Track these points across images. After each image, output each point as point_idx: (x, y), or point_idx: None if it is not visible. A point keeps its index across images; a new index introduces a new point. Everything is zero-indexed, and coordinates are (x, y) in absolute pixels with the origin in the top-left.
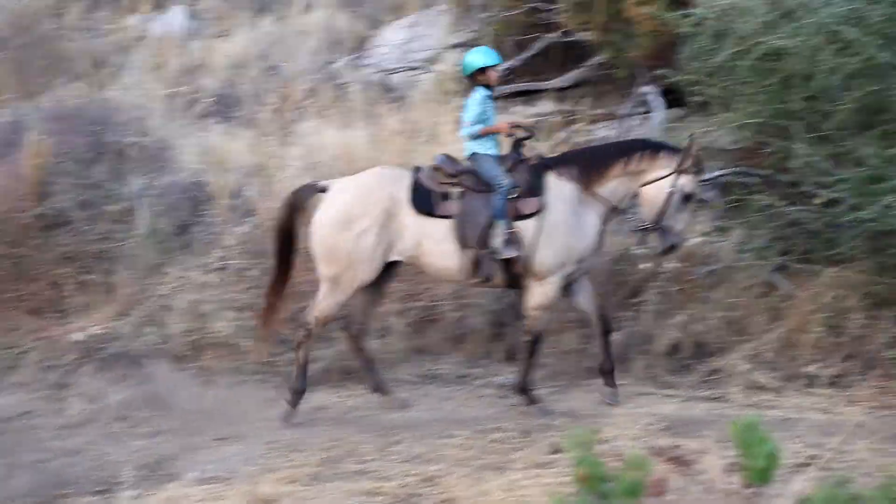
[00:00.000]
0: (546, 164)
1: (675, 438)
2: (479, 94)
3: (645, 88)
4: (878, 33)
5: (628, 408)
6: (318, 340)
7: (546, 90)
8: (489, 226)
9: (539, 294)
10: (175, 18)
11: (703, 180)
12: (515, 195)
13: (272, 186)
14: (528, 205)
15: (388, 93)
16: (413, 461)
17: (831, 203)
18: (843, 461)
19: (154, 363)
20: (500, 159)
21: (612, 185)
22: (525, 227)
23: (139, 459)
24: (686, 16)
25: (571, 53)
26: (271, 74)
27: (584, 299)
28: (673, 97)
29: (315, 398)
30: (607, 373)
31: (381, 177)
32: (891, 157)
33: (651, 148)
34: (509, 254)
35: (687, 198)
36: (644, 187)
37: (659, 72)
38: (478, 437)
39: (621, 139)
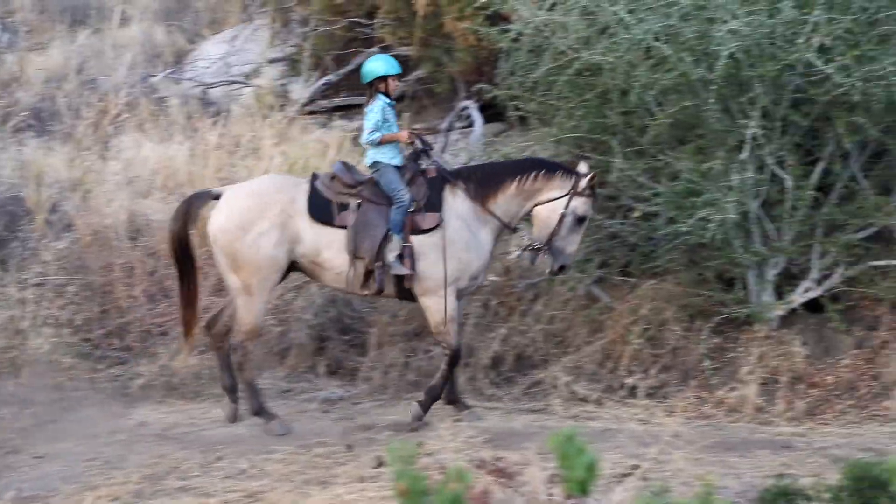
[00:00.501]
0: (444, 179)
1: (498, 451)
2: (380, 102)
3: (465, 103)
4: (692, 50)
5: (452, 421)
6: (142, 357)
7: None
8: (384, 238)
9: (437, 311)
10: None
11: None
12: (414, 209)
13: (90, 201)
14: (427, 220)
15: (208, 107)
16: (236, 477)
17: (649, 216)
18: (661, 471)
19: None
20: (401, 170)
21: (506, 203)
22: (420, 243)
23: None
24: (504, 31)
25: None
26: (89, 88)
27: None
28: (493, 112)
29: (137, 414)
30: (453, 402)
31: (275, 182)
32: (705, 171)
33: (547, 168)
34: (401, 271)
35: (580, 220)
36: (537, 207)
37: (478, 87)
38: (301, 452)
39: (519, 157)
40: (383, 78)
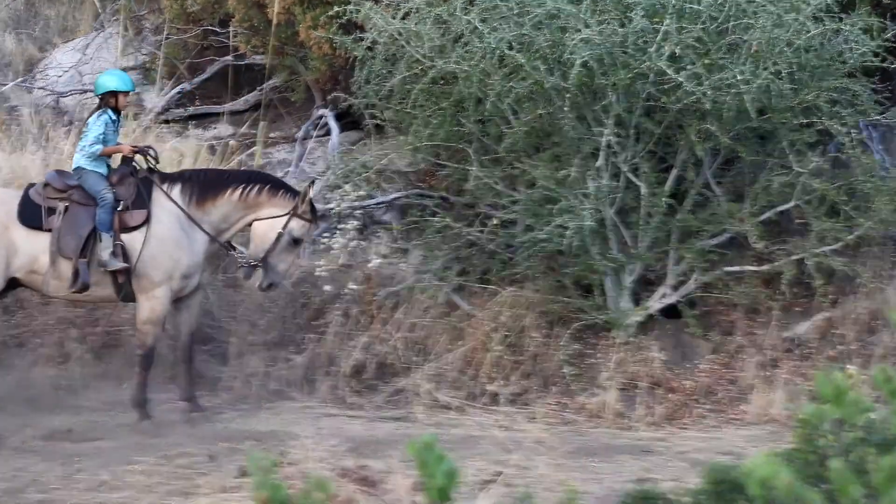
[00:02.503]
0: (153, 180)
1: (362, 459)
2: (105, 115)
3: (321, 112)
4: (545, 58)
5: (314, 429)
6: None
7: (222, 113)
8: (89, 237)
9: (147, 309)
10: None
11: (317, 224)
12: (121, 208)
13: None
14: (134, 217)
15: (61, 116)
16: (98, 489)
17: (506, 224)
18: (524, 477)
19: None
20: (108, 174)
21: (223, 211)
22: (131, 240)
23: None
24: (359, 40)
25: (247, 76)
26: None
27: (184, 319)
28: (350, 120)
29: None
30: (191, 399)
31: None
32: (561, 178)
33: (272, 185)
34: (116, 265)
35: (296, 241)
36: (256, 222)
37: (334, 95)
38: (163, 463)
39: (247, 169)
40: (114, 93)
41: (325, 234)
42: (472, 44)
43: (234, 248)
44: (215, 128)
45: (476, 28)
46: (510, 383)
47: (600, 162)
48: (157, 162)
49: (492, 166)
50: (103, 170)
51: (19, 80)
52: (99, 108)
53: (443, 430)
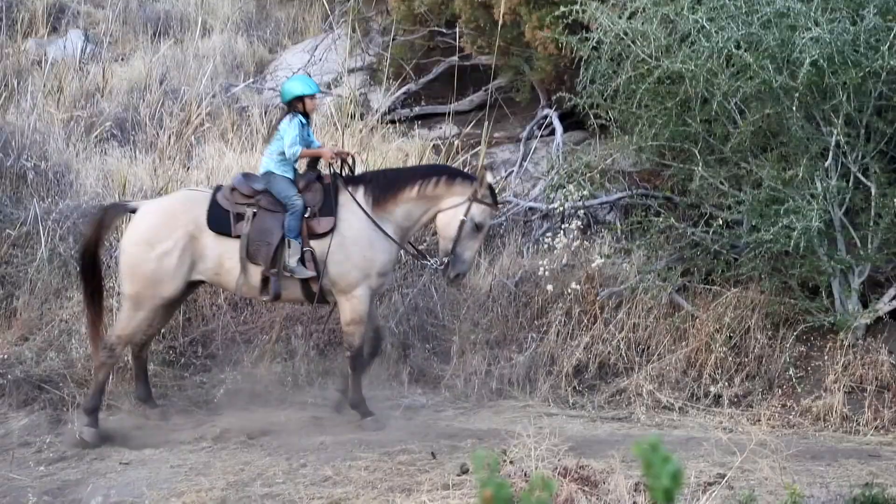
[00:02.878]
0: (339, 184)
1: (582, 459)
2: (296, 119)
3: (545, 111)
4: (773, 57)
5: (534, 428)
6: (226, 364)
7: (447, 113)
8: (279, 245)
9: (348, 310)
10: (72, 42)
11: (496, 209)
12: (308, 214)
13: None
14: (321, 224)
15: None
16: (321, 484)
17: (731, 224)
18: (746, 480)
19: (57, 388)
20: (295, 180)
21: (405, 209)
22: (320, 246)
23: (43, 485)
24: (584, 40)
25: (472, 77)
26: (171, 98)
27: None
28: (573, 120)
29: (222, 421)
30: (356, 405)
31: (185, 200)
32: (788, 178)
33: (448, 175)
34: (305, 274)
35: (478, 227)
36: (439, 214)
37: (559, 95)
38: (385, 460)
39: (424, 164)
40: (300, 98)
41: (548, 234)
42: (698, 43)
43: (424, 257)
44: (440, 128)
45: (703, 27)
46: (733, 385)
47: (829, 162)
48: (354, 168)
49: (717, 166)
50: (291, 175)
51: (250, 81)
52: (287, 114)
53: (664, 431)
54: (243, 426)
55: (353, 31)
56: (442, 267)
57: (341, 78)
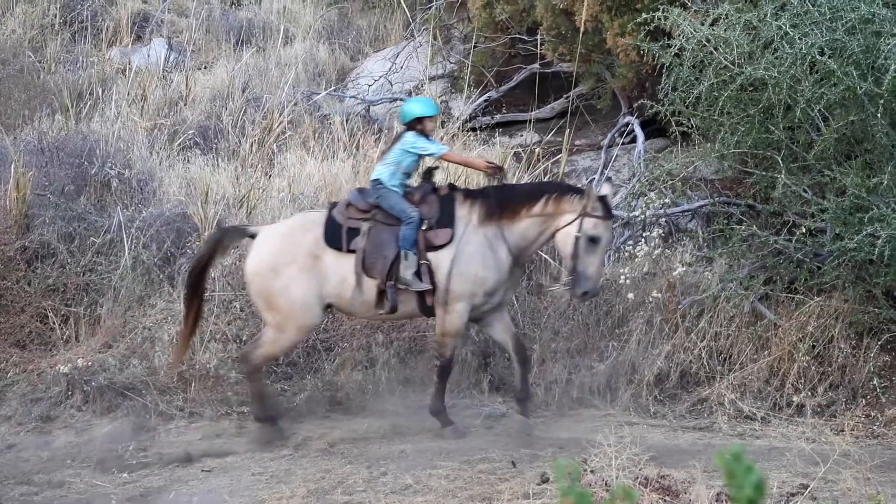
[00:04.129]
0: (455, 197)
1: (663, 468)
2: (415, 139)
3: (627, 119)
4: (858, 63)
5: (615, 437)
6: (307, 372)
7: (528, 121)
8: (395, 258)
9: (446, 321)
10: (155, 50)
11: (612, 221)
12: (425, 227)
13: (255, 218)
14: (440, 236)
15: (370, 124)
16: (401, 492)
17: (814, 232)
18: (830, 490)
19: (140, 395)
20: (409, 193)
21: (522, 227)
22: (436, 258)
23: (126, 492)
24: (666, 47)
25: (553, 84)
26: (253, 106)
27: (500, 331)
28: (655, 128)
29: (302, 429)
30: (522, 401)
31: (304, 221)
32: (872, 186)
33: (558, 192)
34: (420, 287)
35: (593, 240)
36: (557, 234)
37: (640, 102)
38: (465, 468)
39: (537, 181)
40: (420, 119)
41: (629, 242)
42: (781, 50)
43: (546, 284)
44: (521, 135)
45: (786, 34)
46: (817, 394)
47: None
48: (503, 177)
49: (800, 174)
50: (401, 189)
51: (331, 88)
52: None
53: (746, 440)
54: (324, 434)
55: (434, 38)
56: (567, 287)
57: (422, 86)
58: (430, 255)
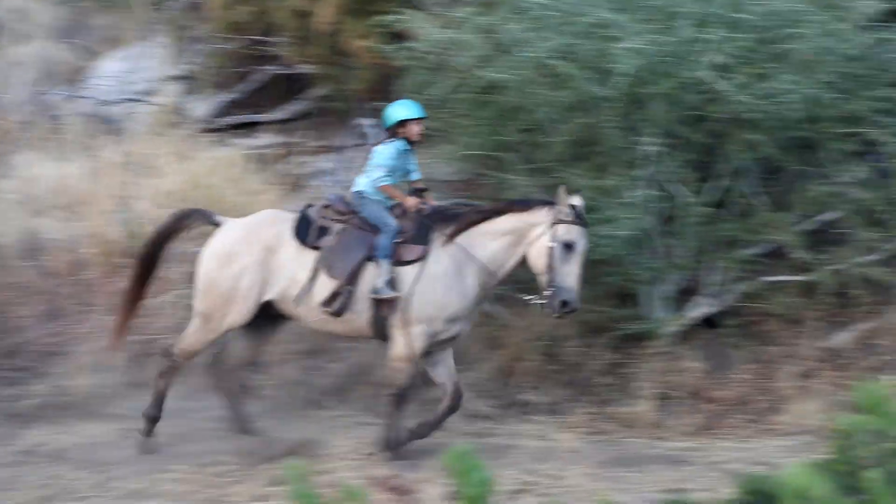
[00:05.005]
0: (433, 217)
1: (396, 468)
2: (394, 145)
3: (364, 120)
4: (590, 67)
5: (349, 438)
6: (36, 377)
7: (266, 122)
8: (362, 262)
9: (402, 344)
10: None
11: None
12: (400, 240)
13: None
14: (410, 251)
15: (106, 125)
16: (131, 497)
17: None
18: (558, 486)
19: None
20: (391, 207)
21: (494, 247)
22: (403, 273)
23: None
24: (404, 49)
25: (293, 86)
26: None
27: (443, 374)
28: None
29: (30, 435)
30: (411, 435)
31: (273, 216)
32: (603, 187)
33: (521, 206)
34: (388, 293)
35: (568, 247)
36: (529, 250)
37: (379, 104)
38: (197, 472)
39: (505, 199)
40: (403, 122)
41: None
42: (518, 53)
43: (527, 297)
44: (260, 137)
45: (522, 38)
46: (546, 393)
47: (643, 171)
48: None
49: (534, 175)
50: (385, 202)
51: (65, 88)
52: (389, 138)
53: (478, 439)
54: (53, 439)
55: (172, 38)
56: (546, 302)
57: (159, 86)
58: (398, 269)
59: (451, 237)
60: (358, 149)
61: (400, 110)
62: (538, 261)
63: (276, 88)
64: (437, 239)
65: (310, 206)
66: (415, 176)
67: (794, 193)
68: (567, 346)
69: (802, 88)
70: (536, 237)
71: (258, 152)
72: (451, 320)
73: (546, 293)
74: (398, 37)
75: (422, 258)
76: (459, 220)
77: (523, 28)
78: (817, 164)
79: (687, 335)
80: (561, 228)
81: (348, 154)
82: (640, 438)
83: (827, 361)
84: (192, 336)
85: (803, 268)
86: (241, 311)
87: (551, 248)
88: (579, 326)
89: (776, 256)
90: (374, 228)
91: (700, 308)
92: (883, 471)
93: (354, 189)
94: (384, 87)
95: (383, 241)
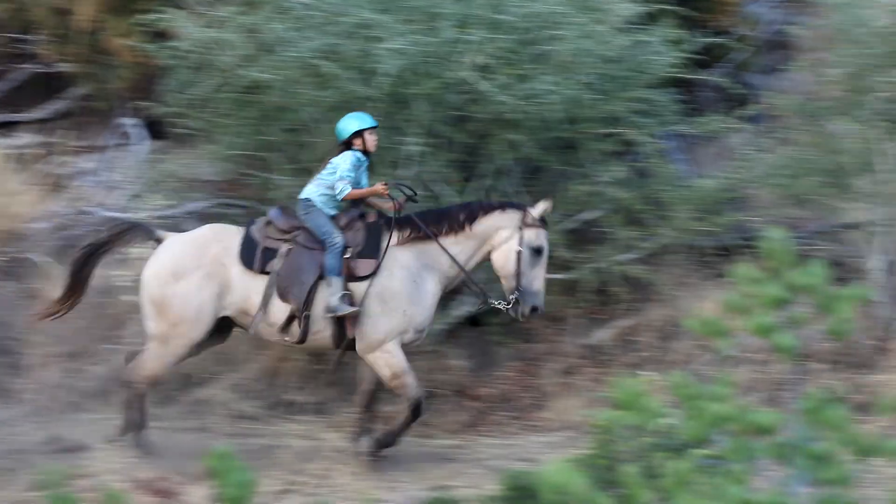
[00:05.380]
0: (385, 224)
1: (161, 470)
2: (352, 156)
3: (126, 120)
4: (354, 67)
5: (112, 441)
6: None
7: (26, 121)
8: (315, 284)
9: (384, 365)
10: None
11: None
12: (349, 255)
13: None
14: (362, 266)
15: None
16: None
17: None
18: (325, 486)
19: None
20: (336, 217)
21: (455, 252)
22: (358, 289)
23: None
24: (167, 48)
25: (53, 84)
26: None
27: (368, 371)
28: (158, 129)
29: None
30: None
31: (217, 231)
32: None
33: (485, 209)
34: (345, 310)
35: (537, 252)
36: (492, 254)
37: (142, 103)
38: None
39: (465, 202)
40: (359, 133)
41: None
42: (282, 53)
43: (490, 299)
44: (19, 137)
45: (286, 38)
46: (312, 393)
47: (407, 171)
48: (416, 194)
49: (299, 175)
50: (332, 211)
51: None
52: (341, 151)
53: (243, 440)
54: None
55: None
56: (510, 306)
57: None
58: (352, 285)
59: (419, 251)
60: (120, 149)
61: (352, 122)
62: (504, 265)
63: (35, 87)
64: (391, 247)
65: (252, 222)
66: (365, 185)
67: (555, 193)
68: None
69: (562, 89)
70: (502, 241)
71: (17, 152)
72: (420, 330)
73: (512, 297)
74: (161, 35)
75: (375, 272)
76: (429, 233)
77: (286, 28)
78: (578, 164)
79: (451, 334)
80: (529, 233)
81: (110, 154)
82: (406, 437)
83: (588, 358)
84: (153, 361)
85: (565, 266)
86: (198, 330)
87: (519, 253)
88: None
89: None
90: (321, 244)
91: (464, 307)
92: (639, 465)
93: (302, 196)
94: (147, 87)
95: (330, 259)
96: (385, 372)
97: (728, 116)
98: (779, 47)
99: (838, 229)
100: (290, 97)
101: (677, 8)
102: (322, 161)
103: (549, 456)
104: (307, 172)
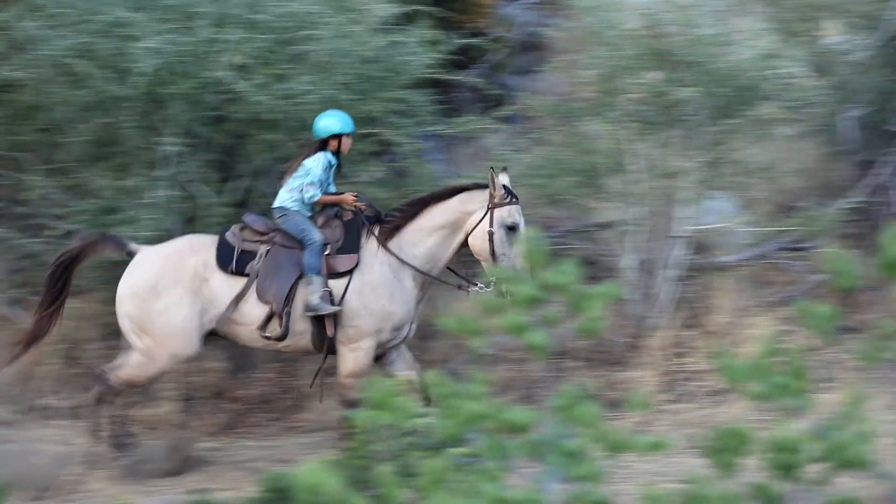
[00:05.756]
0: (363, 221)
1: None
2: (325, 158)
3: None
4: (110, 66)
5: None
6: None
7: None
8: (295, 283)
9: (350, 360)
10: None
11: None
12: (327, 252)
13: None
14: (341, 262)
15: None
16: None
17: (69, 234)
18: (78, 492)
19: None
20: (312, 217)
21: (429, 245)
22: (338, 287)
23: None
24: None
25: None
26: None
27: (402, 365)
28: None
29: None
30: None
31: (193, 242)
32: (124, 188)
33: (456, 192)
34: (326, 309)
35: (511, 228)
36: (469, 238)
37: None
38: None
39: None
40: (337, 136)
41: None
42: (34, 51)
43: (474, 283)
44: None
45: (38, 35)
46: (69, 396)
47: (164, 172)
48: (378, 214)
49: (53, 176)
50: (307, 211)
51: None
52: (317, 150)
53: None
54: None
55: None
56: (491, 290)
57: None
58: (332, 282)
59: (383, 243)
60: None
61: (333, 123)
62: (481, 248)
63: None
64: (369, 244)
65: (226, 228)
66: (332, 189)
67: None
68: (89, 349)
69: (320, 89)
70: (474, 224)
71: None
72: (398, 328)
73: (491, 280)
74: None
75: (355, 268)
76: (399, 227)
77: (39, 25)
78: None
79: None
80: (500, 212)
81: None
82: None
83: None
84: (136, 369)
85: None
86: (184, 346)
87: (491, 233)
88: (102, 329)
89: None
90: (299, 243)
91: None
92: (395, 464)
93: (275, 206)
94: None
95: (309, 257)
96: (348, 367)
97: (484, 117)
98: (533, 49)
99: (592, 228)
100: (44, 96)
101: (433, 9)
102: (289, 162)
103: (309, 457)
104: (62, 172)
